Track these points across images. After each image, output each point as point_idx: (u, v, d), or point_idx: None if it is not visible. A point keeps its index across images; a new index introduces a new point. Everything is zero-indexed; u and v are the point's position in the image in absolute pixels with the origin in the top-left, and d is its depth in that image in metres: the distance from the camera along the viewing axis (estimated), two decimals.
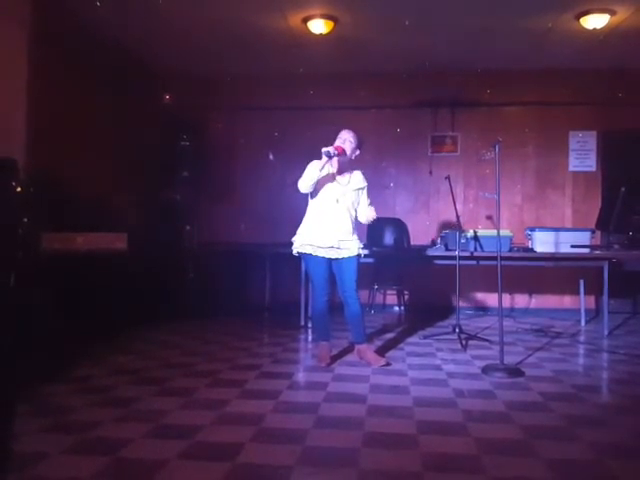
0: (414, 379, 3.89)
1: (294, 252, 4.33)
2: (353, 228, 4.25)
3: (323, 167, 4.08)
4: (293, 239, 4.31)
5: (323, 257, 4.19)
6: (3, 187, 1.69)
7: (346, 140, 4.19)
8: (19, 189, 1.69)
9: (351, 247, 4.21)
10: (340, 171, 4.25)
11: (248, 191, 7.39)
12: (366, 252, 4.44)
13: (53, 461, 2.48)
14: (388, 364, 4.25)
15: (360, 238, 4.36)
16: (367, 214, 4.26)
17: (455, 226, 5.59)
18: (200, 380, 3.81)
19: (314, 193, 4.22)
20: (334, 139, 4.23)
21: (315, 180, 4.09)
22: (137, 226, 5.86)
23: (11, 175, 1.72)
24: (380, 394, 3.54)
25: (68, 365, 4.07)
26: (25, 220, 1.71)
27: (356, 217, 4.32)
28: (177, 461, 2.49)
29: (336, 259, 4.22)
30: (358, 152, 4.27)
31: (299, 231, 4.30)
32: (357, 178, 4.32)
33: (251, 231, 7.12)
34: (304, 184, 4.11)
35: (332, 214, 4.18)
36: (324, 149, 4.03)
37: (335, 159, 4.14)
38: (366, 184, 4.35)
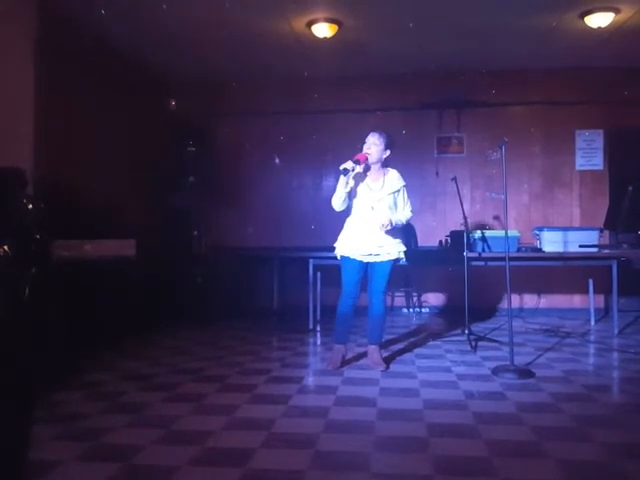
0: (424, 381, 3.89)
1: (337, 256, 4.28)
2: (395, 232, 4.17)
3: (347, 183, 4.06)
4: (335, 244, 4.29)
5: (360, 261, 4.18)
6: (15, 202, 1.70)
7: (371, 144, 4.16)
8: (30, 206, 1.70)
9: (391, 251, 4.17)
10: (373, 176, 4.21)
11: (255, 195, 7.40)
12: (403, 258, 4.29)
13: (66, 469, 2.50)
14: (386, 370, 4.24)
15: None
16: (396, 216, 4.16)
17: (462, 227, 5.57)
18: (210, 385, 3.82)
19: (350, 204, 4.20)
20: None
21: (344, 197, 4.09)
22: (145, 232, 5.88)
23: (21, 188, 1.74)
24: (390, 397, 3.54)
25: (78, 372, 4.09)
26: (38, 237, 1.72)
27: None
28: (189, 467, 2.50)
29: (373, 262, 4.21)
30: (388, 152, 4.21)
31: (339, 238, 4.28)
32: (392, 180, 4.23)
33: (258, 235, 7.13)
34: (335, 204, 4.14)
35: (368, 222, 4.14)
36: (341, 167, 4.00)
37: (362, 166, 4.09)
38: (403, 184, 4.27)
